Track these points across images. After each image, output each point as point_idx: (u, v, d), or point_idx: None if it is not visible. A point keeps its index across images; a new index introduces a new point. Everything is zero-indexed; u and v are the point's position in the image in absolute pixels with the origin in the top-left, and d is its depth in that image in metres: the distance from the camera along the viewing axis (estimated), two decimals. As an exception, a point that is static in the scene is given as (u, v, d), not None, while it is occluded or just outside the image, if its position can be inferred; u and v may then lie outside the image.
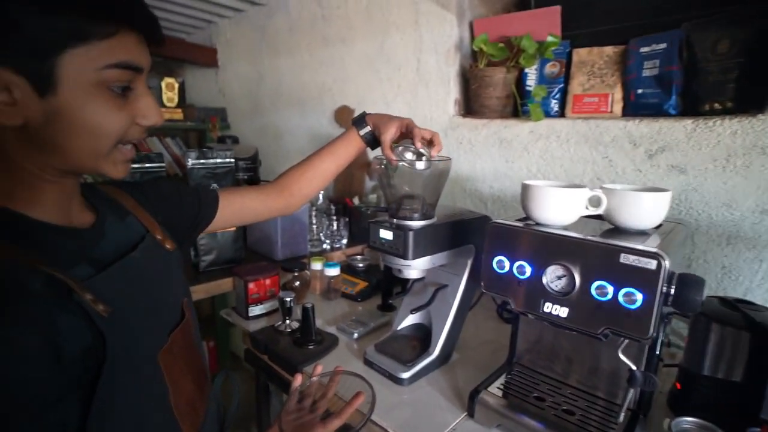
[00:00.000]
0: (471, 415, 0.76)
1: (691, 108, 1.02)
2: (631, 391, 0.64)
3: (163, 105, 2.29)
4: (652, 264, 0.54)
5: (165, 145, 2.49)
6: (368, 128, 0.87)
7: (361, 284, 1.29)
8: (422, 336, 0.96)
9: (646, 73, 1.07)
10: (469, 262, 0.91)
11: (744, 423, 0.64)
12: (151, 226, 0.61)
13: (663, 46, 1.04)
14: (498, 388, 0.78)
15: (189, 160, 1.26)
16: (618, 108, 1.13)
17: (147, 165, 1.28)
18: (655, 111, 1.05)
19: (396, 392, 0.84)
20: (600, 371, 0.74)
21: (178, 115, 2.34)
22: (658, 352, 0.69)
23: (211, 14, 2.22)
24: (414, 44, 1.49)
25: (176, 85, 2.34)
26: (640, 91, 1.08)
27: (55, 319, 0.41)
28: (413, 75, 1.51)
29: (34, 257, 0.43)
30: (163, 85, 2.29)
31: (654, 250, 0.54)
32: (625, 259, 0.56)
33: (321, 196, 1.69)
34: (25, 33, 0.40)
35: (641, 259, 0.55)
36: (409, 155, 0.81)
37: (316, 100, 1.92)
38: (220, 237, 1.30)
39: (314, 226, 1.53)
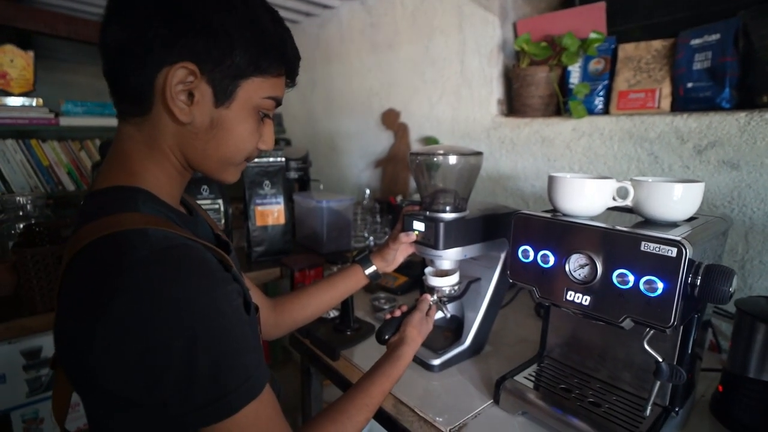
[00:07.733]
0: (497, 401, 0.77)
1: (747, 101, 0.97)
2: (657, 383, 0.63)
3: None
4: (672, 252, 0.54)
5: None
6: (373, 268, 0.91)
7: (401, 279, 1.33)
8: (455, 327, 0.99)
9: (697, 66, 1.03)
10: (502, 256, 0.93)
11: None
12: (216, 229, 0.69)
13: (716, 36, 1.00)
14: (526, 378, 0.79)
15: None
16: (666, 103, 1.09)
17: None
18: (707, 105, 1.01)
19: (426, 378, 0.87)
20: (631, 367, 0.73)
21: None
22: (691, 349, 0.67)
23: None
24: (458, 46, 1.52)
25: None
26: (690, 85, 1.04)
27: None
28: (457, 77, 1.54)
29: (190, 235, 0.50)
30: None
31: (675, 237, 0.54)
32: (646, 247, 0.56)
33: (367, 195, 1.76)
34: (234, 59, 0.51)
35: (662, 246, 0.55)
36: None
37: (364, 105, 2.00)
38: (271, 230, 1.41)
39: (359, 223, 1.60)
